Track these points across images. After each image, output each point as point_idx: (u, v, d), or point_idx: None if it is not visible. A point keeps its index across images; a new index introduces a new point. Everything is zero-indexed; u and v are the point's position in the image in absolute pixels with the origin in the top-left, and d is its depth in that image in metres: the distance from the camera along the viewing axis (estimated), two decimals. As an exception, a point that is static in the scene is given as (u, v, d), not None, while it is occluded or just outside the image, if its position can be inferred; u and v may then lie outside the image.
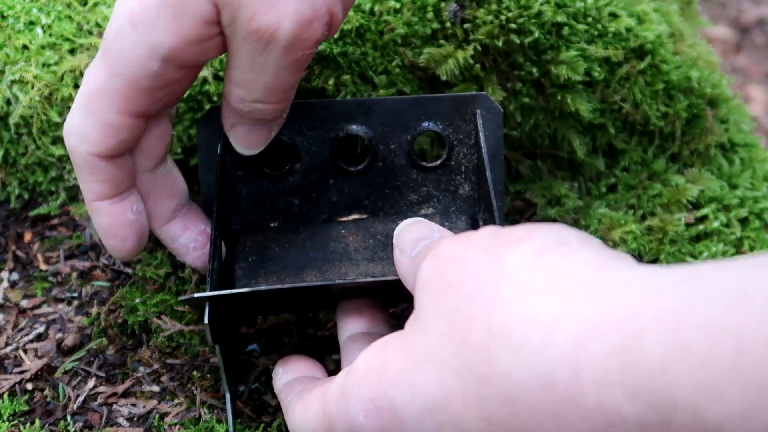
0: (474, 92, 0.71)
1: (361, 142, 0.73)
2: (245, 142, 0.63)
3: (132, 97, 0.57)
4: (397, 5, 0.75)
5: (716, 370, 0.35)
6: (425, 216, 0.70)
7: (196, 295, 0.56)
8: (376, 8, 0.75)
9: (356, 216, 0.71)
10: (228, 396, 0.63)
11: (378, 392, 0.47)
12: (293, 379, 0.59)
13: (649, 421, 0.37)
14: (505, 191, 0.72)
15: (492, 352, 0.42)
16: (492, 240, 0.47)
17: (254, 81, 0.58)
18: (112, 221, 0.62)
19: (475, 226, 0.70)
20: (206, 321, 0.56)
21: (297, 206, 0.70)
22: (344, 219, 0.71)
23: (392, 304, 0.71)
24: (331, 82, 0.74)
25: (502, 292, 0.44)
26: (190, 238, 0.66)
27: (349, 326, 0.61)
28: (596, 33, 0.76)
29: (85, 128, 0.59)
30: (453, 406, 0.45)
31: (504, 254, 0.45)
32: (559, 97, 0.76)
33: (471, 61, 0.74)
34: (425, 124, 0.70)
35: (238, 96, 0.60)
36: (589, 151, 0.79)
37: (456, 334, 0.45)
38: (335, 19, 0.57)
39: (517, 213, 0.77)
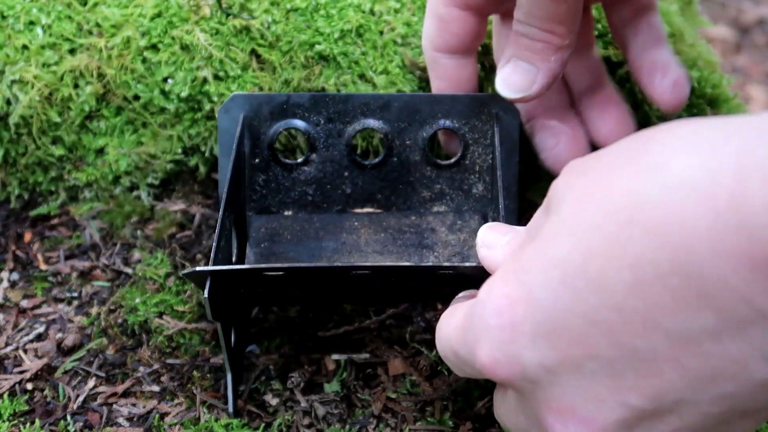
0: (492, 92, 0.71)
1: (371, 140, 0.73)
2: (512, 85, 0.65)
3: None
4: (397, 5, 0.75)
5: None
6: (437, 213, 0.71)
7: (198, 268, 0.57)
8: (376, 8, 0.75)
9: (369, 209, 0.72)
10: (230, 375, 0.63)
11: (513, 286, 0.46)
12: (466, 293, 0.57)
13: None
14: (518, 193, 0.72)
15: (637, 194, 0.41)
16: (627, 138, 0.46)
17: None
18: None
19: None
20: (206, 295, 0.57)
21: (311, 196, 0.72)
22: (358, 211, 0.72)
23: (391, 304, 0.71)
24: (331, 82, 0.74)
25: (648, 154, 0.42)
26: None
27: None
28: (596, 33, 0.76)
29: (428, 27, 0.69)
30: (593, 264, 0.42)
31: (643, 135, 0.44)
32: (559, 97, 0.76)
33: (471, 61, 0.74)
34: (441, 121, 0.70)
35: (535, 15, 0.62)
36: (589, 151, 0.79)
37: (596, 195, 0.43)
38: None
39: (518, 213, 0.77)
